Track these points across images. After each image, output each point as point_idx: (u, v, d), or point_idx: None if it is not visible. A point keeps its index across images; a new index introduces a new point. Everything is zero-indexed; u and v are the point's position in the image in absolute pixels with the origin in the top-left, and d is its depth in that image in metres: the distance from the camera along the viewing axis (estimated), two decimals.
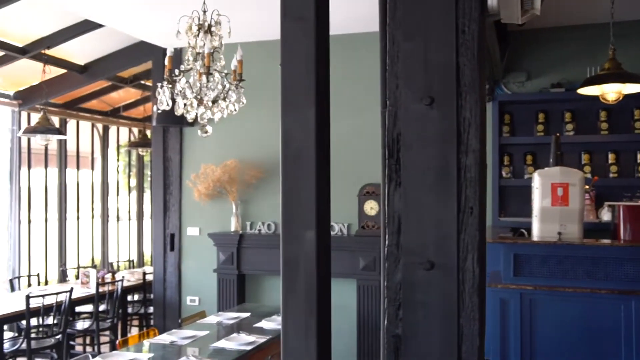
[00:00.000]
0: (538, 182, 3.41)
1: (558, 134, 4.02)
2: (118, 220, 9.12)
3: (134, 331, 7.23)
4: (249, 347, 3.85)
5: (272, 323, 4.49)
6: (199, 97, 3.59)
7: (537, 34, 5.53)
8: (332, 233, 5.22)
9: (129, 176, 9.60)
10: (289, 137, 1.08)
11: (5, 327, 5.49)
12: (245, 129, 5.88)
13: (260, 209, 5.93)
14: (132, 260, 8.95)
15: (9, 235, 7.06)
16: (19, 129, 6.73)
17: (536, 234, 3.41)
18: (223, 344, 3.93)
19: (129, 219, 9.39)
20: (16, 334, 5.90)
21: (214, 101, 3.60)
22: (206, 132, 3.71)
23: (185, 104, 3.62)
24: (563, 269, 3.22)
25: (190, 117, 3.66)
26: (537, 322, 3.27)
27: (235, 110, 3.67)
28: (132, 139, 9.14)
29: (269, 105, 5.81)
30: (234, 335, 4.13)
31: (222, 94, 3.60)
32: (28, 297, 5.25)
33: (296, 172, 1.08)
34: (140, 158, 9.60)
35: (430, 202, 1.09)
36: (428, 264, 1.10)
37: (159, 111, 5.88)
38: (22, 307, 5.31)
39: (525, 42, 5.55)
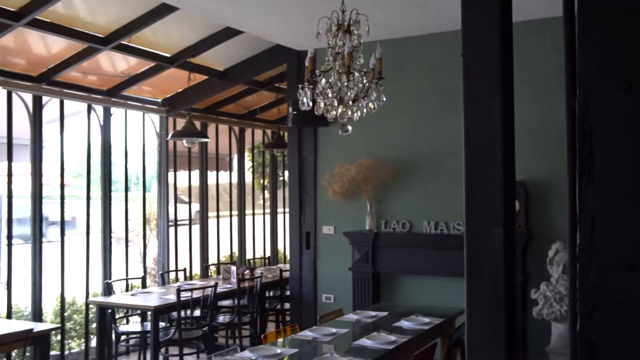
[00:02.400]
0: None
1: None
2: (254, 218, 9.50)
3: (271, 326, 7.49)
4: (390, 347, 3.84)
5: (411, 323, 4.44)
6: (338, 96, 3.63)
7: None
8: None
9: (263, 176, 9.97)
10: (474, 129, 1.04)
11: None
12: (378, 127, 5.87)
13: (395, 207, 5.90)
14: (268, 257, 9.28)
15: (159, 233, 7.61)
16: (167, 133, 7.22)
17: None
18: (364, 342, 3.94)
19: (264, 218, 9.75)
20: (167, 324, 6.33)
21: (354, 100, 3.62)
22: (347, 131, 3.75)
23: (325, 104, 3.68)
24: None
25: (330, 116, 3.70)
26: None
27: (375, 108, 3.67)
28: (266, 140, 9.48)
29: (402, 103, 5.76)
30: (374, 333, 4.13)
31: (362, 93, 3.61)
32: (179, 291, 5.61)
33: (482, 164, 1.03)
34: (274, 158, 9.93)
35: (630, 199, 1.01)
36: (628, 264, 1.01)
37: (295, 112, 6.04)
38: (173, 299, 5.68)
39: None
